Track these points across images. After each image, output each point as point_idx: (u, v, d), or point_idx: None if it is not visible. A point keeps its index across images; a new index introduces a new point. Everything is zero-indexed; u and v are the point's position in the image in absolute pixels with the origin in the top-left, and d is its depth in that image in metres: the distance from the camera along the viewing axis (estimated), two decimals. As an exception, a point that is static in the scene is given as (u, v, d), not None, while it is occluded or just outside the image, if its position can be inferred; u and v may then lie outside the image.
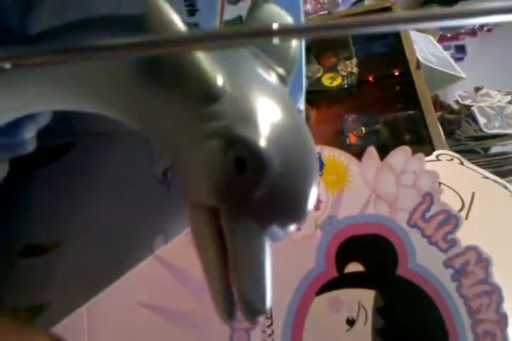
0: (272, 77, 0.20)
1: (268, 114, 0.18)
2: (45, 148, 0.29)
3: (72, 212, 0.27)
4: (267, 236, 0.17)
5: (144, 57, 0.17)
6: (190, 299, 0.51)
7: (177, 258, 0.49)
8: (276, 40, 0.14)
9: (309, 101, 1.14)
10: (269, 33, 0.14)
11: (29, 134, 0.23)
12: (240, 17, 0.25)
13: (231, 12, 0.25)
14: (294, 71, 0.21)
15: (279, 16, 0.21)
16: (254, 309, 0.16)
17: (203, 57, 0.17)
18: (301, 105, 0.28)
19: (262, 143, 0.16)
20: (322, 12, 1.34)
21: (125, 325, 0.50)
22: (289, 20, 0.21)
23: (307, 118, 1.12)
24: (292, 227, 0.18)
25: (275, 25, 0.13)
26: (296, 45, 0.21)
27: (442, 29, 1.79)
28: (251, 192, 0.16)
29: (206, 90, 0.17)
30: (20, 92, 0.19)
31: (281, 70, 0.20)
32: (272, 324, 0.54)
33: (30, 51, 0.14)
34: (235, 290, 0.16)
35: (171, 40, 0.15)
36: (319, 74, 1.13)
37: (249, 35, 0.14)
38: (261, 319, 0.16)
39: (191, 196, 0.18)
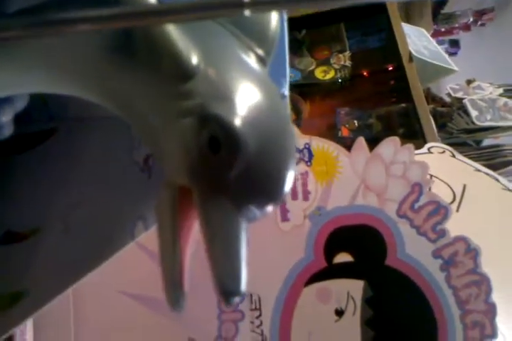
0: (251, 58, 0.19)
1: (244, 93, 0.17)
2: (25, 134, 0.28)
3: (52, 198, 0.26)
4: (243, 217, 0.17)
5: (116, 32, 0.17)
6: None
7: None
8: (247, 12, 0.13)
9: (302, 94, 1.14)
10: (240, 4, 0.13)
11: (6, 118, 0.22)
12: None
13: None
14: (274, 52, 0.21)
15: None
16: (228, 290, 0.15)
17: (176, 34, 0.16)
18: (286, 90, 0.28)
19: (237, 121, 0.16)
20: None
21: (113, 314, 0.50)
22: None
23: (300, 111, 1.12)
24: (269, 208, 0.18)
25: (247, -4, 0.13)
26: (276, 25, 0.20)
27: (436, 23, 1.79)
28: (226, 172, 0.16)
29: (179, 67, 0.16)
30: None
31: (260, 51, 0.20)
32: (260, 315, 0.54)
33: (2, 25, 0.14)
34: (211, 272, 0.16)
35: (138, 12, 0.14)
36: (312, 68, 1.13)
37: (219, 6, 0.14)
38: (236, 300, 0.16)
39: (166, 176, 0.18)
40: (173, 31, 0.16)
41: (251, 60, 0.19)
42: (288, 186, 0.18)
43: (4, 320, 0.24)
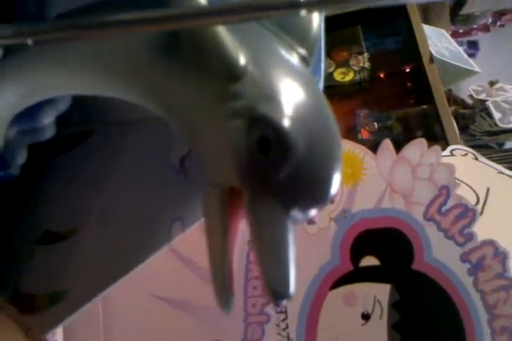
0: (294, 58, 0.19)
1: (291, 94, 0.17)
2: (63, 136, 0.29)
3: (90, 200, 0.27)
4: (291, 218, 0.17)
5: (165, 34, 0.17)
6: (205, 292, 0.51)
7: (193, 252, 0.49)
8: (303, 12, 0.13)
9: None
10: (296, 4, 0.13)
11: (48, 120, 0.23)
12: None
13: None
14: (316, 52, 0.21)
15: None
16: (278, 293, 0.15)
17: (225, 35, 0.16)
18: (320, 87, 0.27)
19: (286, 122, 0.16)
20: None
21: (141, 315, 0.50)
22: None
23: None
24: (314, 211, 0.17)
25: (302, -3, 0.13)
26: (318, 25, 0.20)
27: (455, 24, 1.77)
28: (275, 172, 0.16)
29: (229, 69, 0.16)
30: (40, 75, 0.19)
31: (302, 51, 0.20)
32: (286, 318, 0.53)
33: (51, 26, 0.14)
34: (260, 273, 0.16)
35: (193, 13, 0.14)
36: (331, 70, 1.12)
37: (275, 7, 0.14)
38: (284, 302, 0.16)
39: (212, 177, 0.17)
40: (222, 32, 0.16)
41: (294, 60, 0.19)
42: (335, 188, 0.17)
43: (44, 319, 0.24)
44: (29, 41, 0.14)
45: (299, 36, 0.20)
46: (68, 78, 0.19)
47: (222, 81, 0.17)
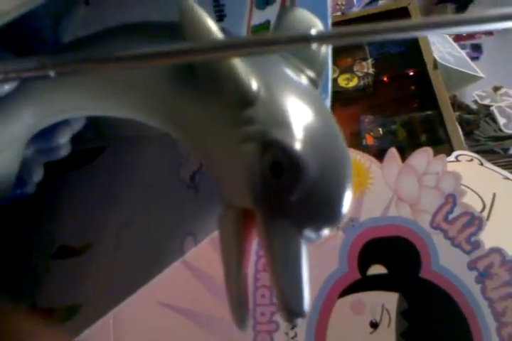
0: (303, 80, 0.20)
1: (302, 118, 0.18)
2: (76, 152, 0.29)
3: (105, 215, 0.27)
4: (304, 239, 0.17)
5: (181, 65, 0.18)
6: (213, 302, 0.52)
7: (202, 262, 0.50)
8: (314, 46, 0.14)
9: (325, 102, 1.14)
10: (307, 39, 0.14)
11: (63, 139, 0.23)
12: (268, 22, 0.25)
13: (259, 17, 0.25)
14: (324, 74, 0.21)
15: (310, 21, 0.21)
16: (292, 311, 0.16)
17: (238, 63, 0.17)
18: (328, 103, 0.28)
19: (298, 146, 0.16)
20: (336, 13, 1.33)
21: (150, 324, 0.51)
22: (319, 24, 0.21)
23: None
24: (327, 231, 0.18)
25: (313, 32, 0.14)
26: (326, 48, 0.21)
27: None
28: (288, 195, 0.17)
29: (242, 95, 0.17)
30: (61, 98, 0.20)
31: (311, 73, 0.20)
32: (295, 326, 0.54)
33: (73, 59, 0.15)
34: (275, 292, 0.16)
35: (208, 47, 0.15)
36: (335, 75, 1.13)
37: (286, 41, 0.14)
38: (299, 321, 0.16)
39: (226, 198, 0.18)
40: (236, 62, 0.17)
41: (303, 82, 0.20)
42: (346, 209, 0.18)
43: (61, 332, 0.25)
44: (52, 73, 0.15)
45: (307, 59, 0.20)
46: (85, 101, 0.20)
47: (236, 107, 0.17)
